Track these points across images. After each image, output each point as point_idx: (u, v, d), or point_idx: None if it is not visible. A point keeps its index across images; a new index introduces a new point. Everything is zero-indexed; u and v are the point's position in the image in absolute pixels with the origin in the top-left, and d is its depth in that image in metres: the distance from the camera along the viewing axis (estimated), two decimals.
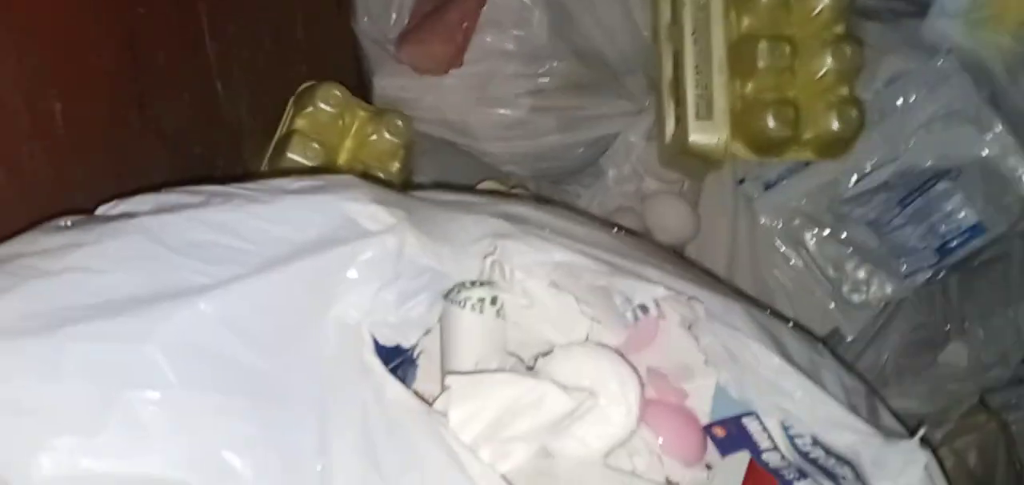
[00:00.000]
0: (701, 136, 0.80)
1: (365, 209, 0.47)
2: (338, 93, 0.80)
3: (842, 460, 0.52)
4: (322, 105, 0.80)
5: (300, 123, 0.79)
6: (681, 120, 0.82)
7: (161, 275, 0.43)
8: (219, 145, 0.77)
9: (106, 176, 0.63)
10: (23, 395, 0.39)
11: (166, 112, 0.68)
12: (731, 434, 0.53)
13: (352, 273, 0.46)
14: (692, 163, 0.86)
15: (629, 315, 0.54)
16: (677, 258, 0.68)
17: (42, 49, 0.56)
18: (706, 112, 0.80)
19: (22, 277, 0.42)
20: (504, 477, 0.43)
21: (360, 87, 0.89)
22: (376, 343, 0.46)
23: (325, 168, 0.77)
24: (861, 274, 0.87)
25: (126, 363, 0.40)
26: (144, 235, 0.45)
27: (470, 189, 0.80)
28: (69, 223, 0.48)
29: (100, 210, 0.49)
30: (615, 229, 0.62)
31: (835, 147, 0.81)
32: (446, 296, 0.50)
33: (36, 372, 0.40)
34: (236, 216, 0.46)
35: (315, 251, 0.45)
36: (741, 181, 0.89)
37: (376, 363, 0.45)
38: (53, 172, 0.58)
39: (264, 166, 0.78)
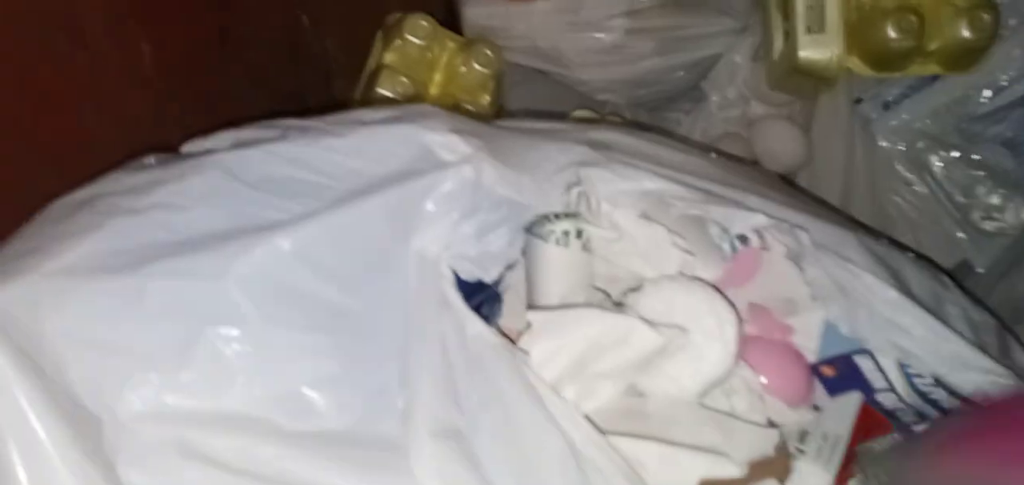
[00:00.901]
0: (812, 51, 0.74)
1: (441, 139, 0.46)
2: (426, 24, 0.78)
3: (968, 402, 0.47)
4: (410, 37, 0.78)
5: (389, 57, 0.78)
6: (790, 35, 0.76)
7: (239, 211, 0.43)
8: (308, 81, 0.77)
9: (197, 114, 0.63)
10: (111, 333, 0.40)
11: (250, 46, 0.69)
12: (841, 373, 0.50)
13: (429, 205, 0.45)
14: (803, 83, 0.80)
15: (726, 247, 0.51)
16: (783, 184, 0.64)
17: None
18: (818, 24, 0.74)
19: (107, 214, 0.43)
20: (588, 416, 0.42)
21: (450, 18, 0.87)
22: (458, 278, 0.45)
23: (413, 101, 0.76)
24: (994, 199, 0.80)
25: (206, 300, 0.41)
26: (222, 171, 0.45)
27: (559, 116, 0.77)
28: (152, 161, 0.48)
29: (185, 147, 0.50)
30: (713, 154, 0.58)
31: (965, 59, 0.74)
32: (528, 229, 0.48)
33: (122, 310, 0.41)
34: (311, 150, 0.46)
35: (392, 183, 0.44)
36: (858, 101, 0.83)
37: (456, 298, 0.44)
38: (147, 112, 0.59)
39: (354, 103, 0.78)
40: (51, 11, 0.52)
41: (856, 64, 0.75)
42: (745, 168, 0.59)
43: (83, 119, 0.55)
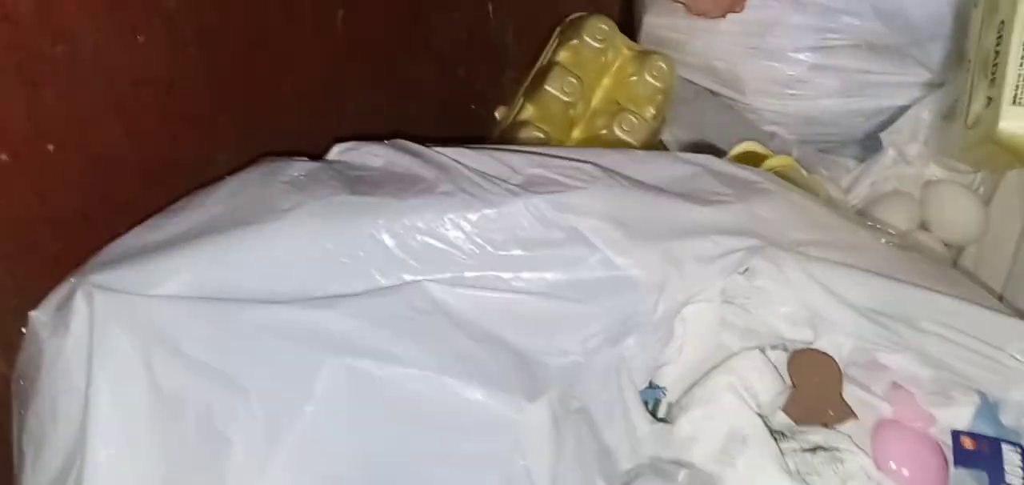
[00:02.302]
0: (1015, 124, 0.69)
1: (594, 228, 0.46)
2: (605, 27, 0.78)
3: None
4: (587, 38, 0.78)
5: (562, 55, 0.78)
6: (993, 102, 0.70)
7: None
8: (482, 67, 0.78)
9: (377, 85, 0.66)
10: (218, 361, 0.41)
11: (438, 29, 0.71)
12: (979, 451, 0.47)
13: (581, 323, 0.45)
14: (996, 155, 0.74)
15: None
16: (945, 273, 0.59)
17: None
18: None
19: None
20: None
21: (627, 23, 0.86)
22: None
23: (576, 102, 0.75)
24: None
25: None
26: (368, 222, 0.44)
27: (718, 152, 0.74)
28: (297, 173, 0.48)
29: (334, 152, 0.51)
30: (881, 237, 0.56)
31: None
32: None
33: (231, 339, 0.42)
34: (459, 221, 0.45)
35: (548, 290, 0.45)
36: None
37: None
38: (330, 75, 0.62)
39: (520, 95, 0.79)
40: None
41: None
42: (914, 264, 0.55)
43: (273, 80, 0.58)
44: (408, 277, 0.43)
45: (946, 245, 0.81)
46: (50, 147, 0.46)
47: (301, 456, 0.40)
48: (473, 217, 0.45)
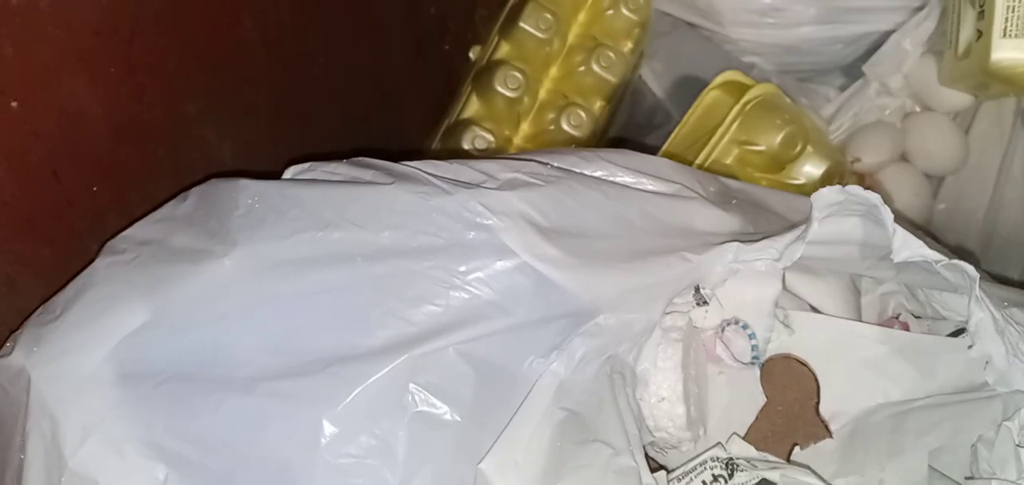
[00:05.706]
0: (1009, 55, 0.71)
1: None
2: None
3: None
4: None
5: None
6: (983, 34, 0.73)
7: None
8: (452, 7, 0.78)
9: (346, 25, 0.67)
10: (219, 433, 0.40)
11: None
12: None
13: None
14: (987, 84, 0.77)
15: None
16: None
17: None
18: (1019, 29, 0.71)
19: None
20: None
21: None
22: None
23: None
24: None
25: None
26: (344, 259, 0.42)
27: (701, 84, 0.76)
28: (252, 199, 0.45)
29: (288, 173, 0.49)
30: None
31: None
32: None
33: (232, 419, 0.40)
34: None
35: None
36: None
37: None
38: (296, 17, 0.62)
39: (495, 33, 0.79)
40: None
41: None
42: None
43: (237, 25, 0.58)
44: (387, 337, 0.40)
45: (927, 175, 0.84)
46: (13, 104, 0.46)
47: None
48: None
